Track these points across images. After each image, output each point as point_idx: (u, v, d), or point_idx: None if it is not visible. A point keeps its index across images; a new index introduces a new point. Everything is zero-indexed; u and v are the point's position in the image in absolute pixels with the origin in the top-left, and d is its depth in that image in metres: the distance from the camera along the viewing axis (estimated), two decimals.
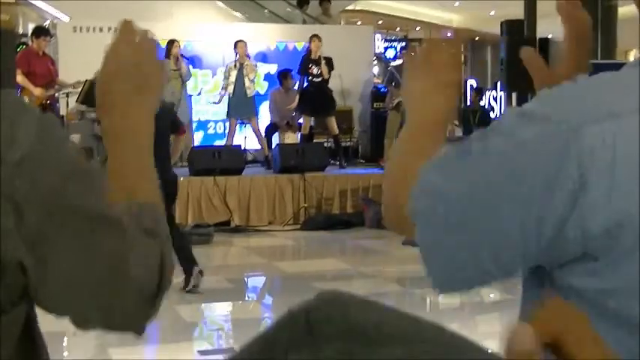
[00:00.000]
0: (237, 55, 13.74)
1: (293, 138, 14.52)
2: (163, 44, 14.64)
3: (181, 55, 13.49)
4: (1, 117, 1.02)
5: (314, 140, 14.41)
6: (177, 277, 9.81)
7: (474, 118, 16.55)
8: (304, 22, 17.31)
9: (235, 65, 13.68)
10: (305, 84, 14.27)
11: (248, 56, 13.84)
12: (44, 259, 1.03)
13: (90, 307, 1.11)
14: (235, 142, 14.13)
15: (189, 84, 14.34)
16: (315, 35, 14.04)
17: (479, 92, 18.62)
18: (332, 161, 13.92)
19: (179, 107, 13.41)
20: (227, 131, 14.11)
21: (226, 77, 13.77)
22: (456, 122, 21.82)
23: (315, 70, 13.94)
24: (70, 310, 1.10)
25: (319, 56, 13.89)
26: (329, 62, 13.95)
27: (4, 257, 1.01)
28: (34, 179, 1.01)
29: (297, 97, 14.35)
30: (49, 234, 1.03)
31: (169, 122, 7.85)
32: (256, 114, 14.06)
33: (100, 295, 1.10)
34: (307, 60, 14.06)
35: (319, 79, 13.97)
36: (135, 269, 1.15)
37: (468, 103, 17.91)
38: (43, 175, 1.02)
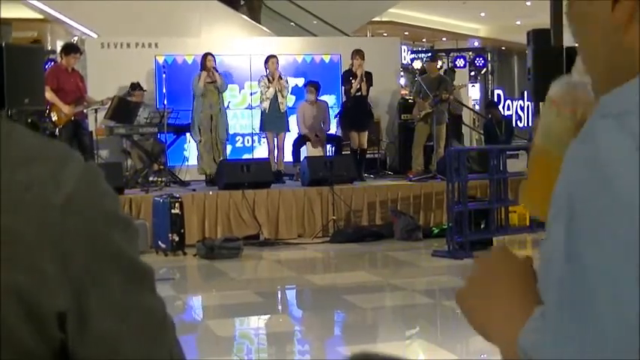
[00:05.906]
0: (268, 71, 13.83)
1: (321, 150, 14.53)
2: (190, 59, 14.74)
3: (214, 68, 13.56)
4: (47, 162, 1.02)
5: (341, 152, 14.44)
6: (205, 292, 9.83)
7: (501, 130, 16.51)
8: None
9: (269, 80, 13.76)
10: (344, 98, 14.52)
11: (279, 72, 13.91)
12: (87, 306, 1.00)
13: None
14: (263, 155, 14.20)
15: None
16: (358, 52, 14.10)
17: (491, 105, 18.74)
18: None
19: (218, 119, 13.49)
20: (267, 145, 14.19)
21: (263, 92, 13.86)
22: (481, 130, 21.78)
23: (355, 84, 14.03)
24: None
25: (360, 72, 13.98)
26: (369, 78, 14.06)
27: (44, 308, 0.97)
28: (80, 223, 1.00)
29: (326, 108, 14.43)
30: (95, 280, 1.00)
31: None
32: (287, 129, 14.15)
33: (138, 350, 1.04)
34: (348, 74, 14.17)
35: (359, 94, 14.05)
36: (171, 335, 1.10)
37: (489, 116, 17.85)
38: (88, 219, 1.01)
